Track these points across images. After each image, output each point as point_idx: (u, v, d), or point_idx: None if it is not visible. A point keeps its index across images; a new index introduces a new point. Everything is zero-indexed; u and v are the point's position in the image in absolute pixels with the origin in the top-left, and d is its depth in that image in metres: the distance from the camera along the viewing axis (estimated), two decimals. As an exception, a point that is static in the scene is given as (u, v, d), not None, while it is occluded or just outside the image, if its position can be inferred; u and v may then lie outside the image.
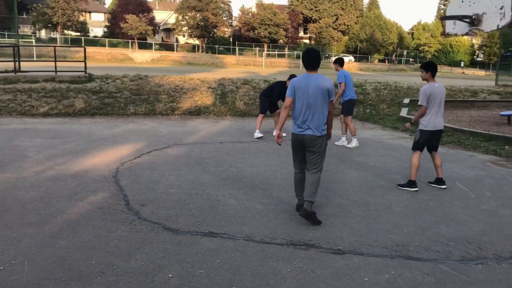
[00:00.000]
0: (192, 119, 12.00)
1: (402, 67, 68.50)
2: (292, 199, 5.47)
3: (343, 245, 4.31)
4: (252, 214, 5.03)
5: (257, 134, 9.62)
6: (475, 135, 10.49)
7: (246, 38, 66.35)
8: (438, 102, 6.12)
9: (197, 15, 62.33)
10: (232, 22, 71.81)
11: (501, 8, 10.45)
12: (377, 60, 74.25)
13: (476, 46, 79.57)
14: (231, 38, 71.12)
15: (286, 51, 67.87)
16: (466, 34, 11.88)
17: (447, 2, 75.40)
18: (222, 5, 65.47)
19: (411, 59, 79.44)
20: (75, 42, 56.32)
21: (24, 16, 62.92)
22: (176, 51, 60.76)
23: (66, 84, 15.21)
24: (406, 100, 16.45)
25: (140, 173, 6.51)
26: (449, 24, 12.41)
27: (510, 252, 4.31)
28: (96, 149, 7.89)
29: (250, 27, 64.30)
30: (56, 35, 59.10)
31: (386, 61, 73.14)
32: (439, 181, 6.41)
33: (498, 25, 10.76)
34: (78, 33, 61.81)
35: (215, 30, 65.96)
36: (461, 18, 11.45)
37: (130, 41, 59.07)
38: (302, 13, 71.65)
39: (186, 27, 63.89)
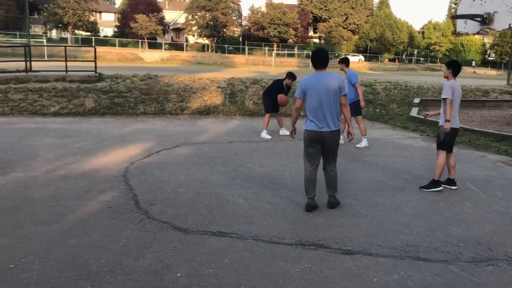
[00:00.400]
0: (201, 119, 12.02)
1: (412, 67, 68.14)
2: (301, 198, 5.46)
3: (352, 245, 4.29)
4: (261, 214, 5.02)
5: (264, 135, 9.61)
6: (486, 135, 10.39)
7: (255, 38, 66.40)
8: (458, 99, 6.07)
9: (207, 15, 62.48)
10: (241, 22, 71.88)
11: (512, 7, 10.35)
12: (387, 60, 73.91)
13: (487, 45, 78.84)
14: (240, 38, 71.18)
15: (296, 51, 67.79)
16: (477, 33, 11.78)
17: (458, 1, 74.73)
18: (232, 4, 65.60)
19: (421, 59, 78.98)
20: (86, 42, 56.77)
21: (35, 16, 63.55)
22: (186, 50, 60.97)
23: (77, 84, 15.33)
24: (417, 100, 16.34)
25: (149, 172, 6.54)
26: (460, 23, 12.31)
27: (521, 253, 4.26)
28: (106, 149, 7.94)
29: (260, 27, 64.33)
30: (67, 35, 59.59)
31: (396, 61, 72.74)
32: (450, 181, 6.34)
33: (510, 24, 10.65)
34: (89, 33, 62.27)
35: (224, 30, 66.09)
36: (472, 17, 11.35)
37: (140, 40, 59.38)
38: (312, 13, 71.53)
39: (196, 27, 64.10)
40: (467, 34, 14.89)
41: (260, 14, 65.67)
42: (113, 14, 78.05)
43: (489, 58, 76.99)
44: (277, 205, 5.36)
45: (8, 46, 37.69)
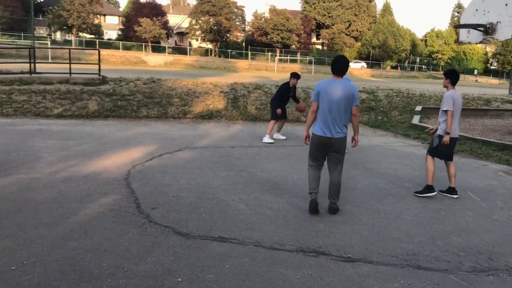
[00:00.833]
0: (204, 123, 12.05)
1: (414, 74, 68.17)
2: (303, 204, 5.47)
3: (353, 253, 4.29)
4: (262, 220, 5.03)
5: (267, 139, 9.63)
6: (487, 144, 10.40)
7: (258, 43, 66.56)
8: (458, 109, 6.10)
9: (211, 20, 62.71)
10: (245, 27, 72.07)
11: (515, 17, 10.37)
12: (389, 67, 73.98)
13: (490, 54, 78.88)
14: (243, 43, 71.41)
15: (298, 56, 67.96)
16: (480, 42, 11.80)
17: (461, 10, 74.99)
18: (236, 10, 65.83)
19: (424, 66, 79.01)
20: (90, 44, 57.03)
21: (40, 18, 63.89)
22: (189, 55, 61.16)
23: (80, 86, 15.38)
24: (418, 108, 16.36)
25: (151, 176, 6.55)
26: (463, 32, 12.34)
27: (522, 264, 4.26)
28: (108, 151, 7.96)
29: (263, 32, 64.51)
30: (71, 37, 59.89)
31: (399, 68, 72.82)
32: (451, 190, 6.36)
33: (512, 34, 10.67)
34: (93, 36, 62.57)
35: (228, 35, 66.30)
36: (475, 26, 11.37)
37: (143, 44, 59.62)
38: (315, 19, 71.73)
39: (200, 31, 64.32)
40: (470, 43, 14.93)
41: (263, 19, 65.85)
42: (117, 17, 78.39)
43: (491, 67, 76.99)
44: (278, 211, 5.37)
45: (13, 48, 37.87)
